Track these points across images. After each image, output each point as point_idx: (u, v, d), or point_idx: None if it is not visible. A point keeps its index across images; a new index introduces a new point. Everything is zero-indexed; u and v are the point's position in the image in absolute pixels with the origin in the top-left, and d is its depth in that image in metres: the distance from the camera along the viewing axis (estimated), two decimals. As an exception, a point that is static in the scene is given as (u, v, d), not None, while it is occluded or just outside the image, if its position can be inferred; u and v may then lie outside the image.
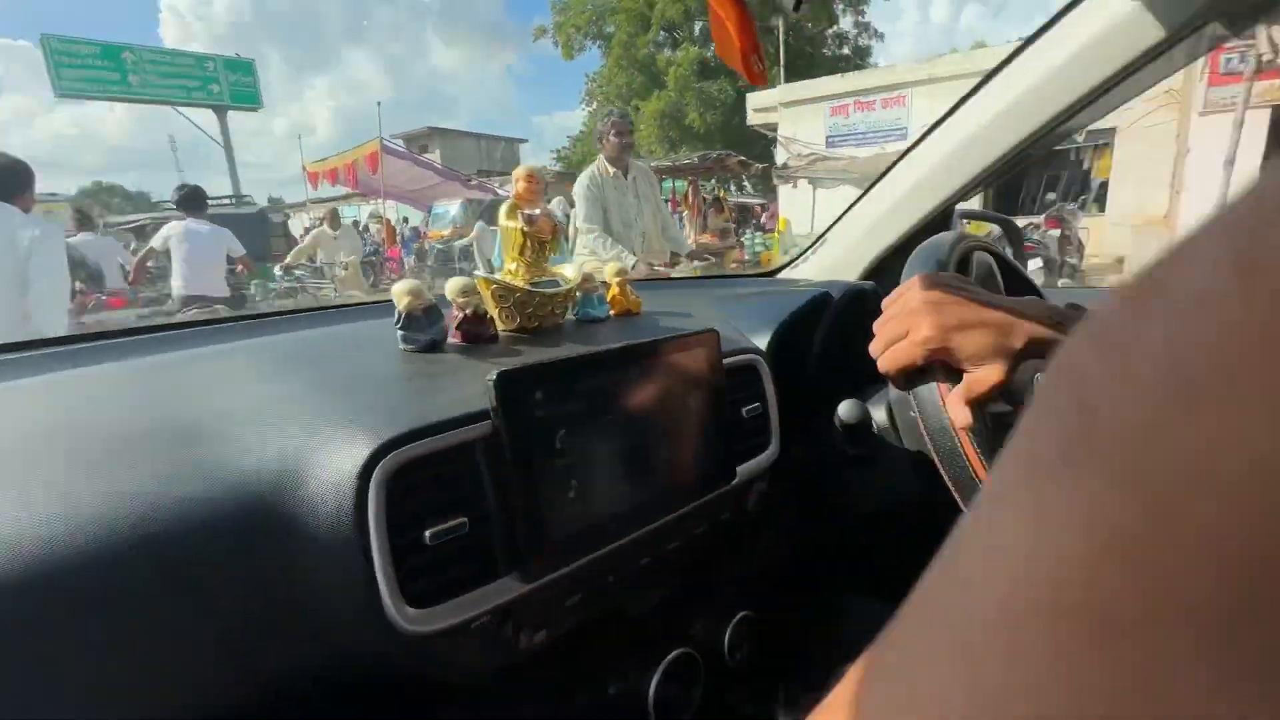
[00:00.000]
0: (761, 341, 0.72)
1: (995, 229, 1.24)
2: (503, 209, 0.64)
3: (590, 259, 2.98)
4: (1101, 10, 0.72)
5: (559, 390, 0.48)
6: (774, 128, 11.55)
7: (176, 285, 3.66)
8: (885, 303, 0.54)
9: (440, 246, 9.35)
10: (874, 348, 0.53)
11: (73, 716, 0.34)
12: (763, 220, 11.52)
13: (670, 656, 0.56)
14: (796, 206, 10.30)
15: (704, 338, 0.60)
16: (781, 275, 1.16)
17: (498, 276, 0.63)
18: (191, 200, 3.75)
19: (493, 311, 0.63)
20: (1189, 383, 0.08)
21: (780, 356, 0.71)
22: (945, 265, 0.58)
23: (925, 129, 0.95)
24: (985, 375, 0.47)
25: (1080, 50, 0.75)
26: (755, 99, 12.04)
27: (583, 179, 2.72)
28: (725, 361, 0.63)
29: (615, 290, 0.74)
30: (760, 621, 0.64)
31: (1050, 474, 0.10)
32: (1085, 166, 9.13)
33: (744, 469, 0.62)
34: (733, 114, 16.66)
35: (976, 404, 0.47)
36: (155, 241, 3.79)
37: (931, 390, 0.49)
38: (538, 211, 0.64)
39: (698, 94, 17.46)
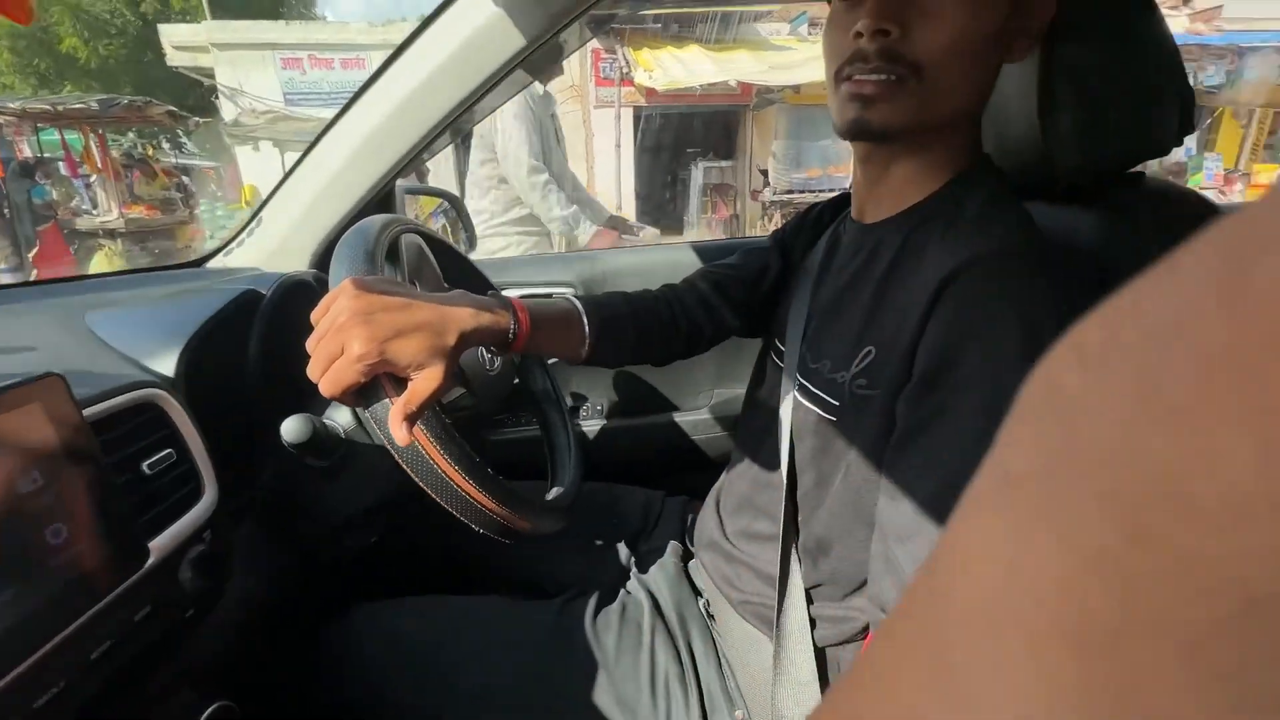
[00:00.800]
0: (166, 365, 0.56)
1: (444, 204, 1.30)
2: None
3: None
4: (477, 9, 0.80)
5: None
6: (209, 74, 9.46)
7: None
8: (313, 316, 0.47)
9: None
10: (311, 371, 0.46)
11: None
12: (220, 189, 9.54)
13: None
14: (263, 172, 8.91)
15: (42, 387, 0.41)
16: (213, 264, 0.94)
17: None
18: None
19: None
20: (1168, 405, 0.08)
21: (202, 377, 0.56)
22: (374, 256, 0.55)
23: (356, 89, 0.89)
24: (424, 384, 0.46)
25: (469, 39, 0.81)
26: (172, 32, 9.55)
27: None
28: (99, 407, 0.46)
29: None
30: (242, 708, 0.52)
31: (1029, 485, 0.10)
32: None
33: (165, 538, 0.47)
34: (141, 48, 12.85)
35: (423, 410, 0.47)
36: None
37: (384, 406, 0.46)
38: None
39: (73, 11, 12.67)
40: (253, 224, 0.96)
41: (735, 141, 9.15)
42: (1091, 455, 0.09)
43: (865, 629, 0.58)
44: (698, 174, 8.86)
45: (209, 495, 0.52)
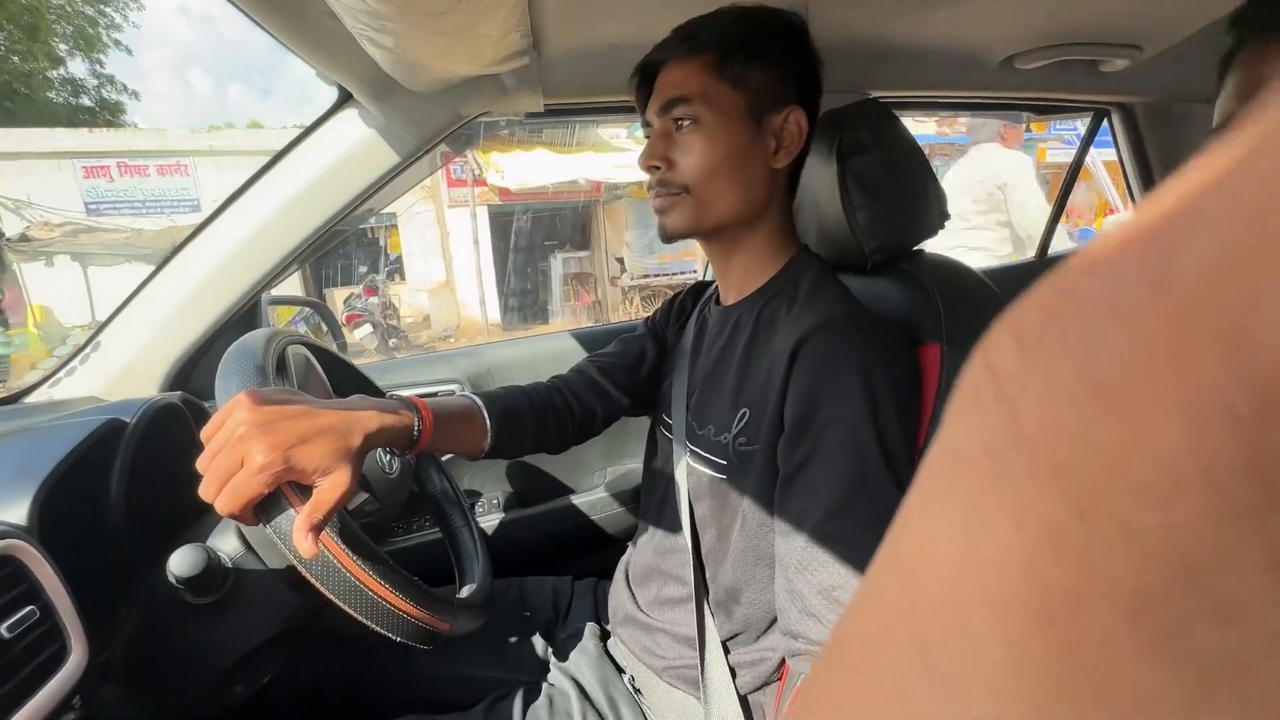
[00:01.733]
0: (18, 512, 0.49)
1: (306, 310, 1.27)
2: None
3: None
4: (352, 127, 0.84)
5: None
6: None
7: None
8: (204, 434, 0.46)
9: None
10: (205, 490, 0.44)
11: None
12: None
13: None
14: (59, 291, 7.78)
15: None
16: (35, 398, 0.83)
17: None
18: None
19: None
20: (1106, 386, 0.08)
21: (62, 521, 0.51)
22: (264, 369, 0.54)
23: (218, 205, 0.87)
24: (330, 489, 0.45)
25: (346, 155, 0.84)
26: (-65, 141, 8.30)
27: None
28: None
29: None
30: None
31: (976, 463, 0.10)
32: (381, 243, 10.66)
33: (29, 711, 0.41)
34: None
35: (329, 517, 0.46)
36: None
37: (289, 517, 0.44)
38: None
39: None
40: (88, 349, 0.87)
41: (590, 233, 9.69)
42: (1035, 435, 0.09)
43: (781, 664, 0.63)
44: (557, 265, 9.21)
45: (77, 654, 0.45)
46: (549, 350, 1.21)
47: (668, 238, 0.67)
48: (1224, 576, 0.08)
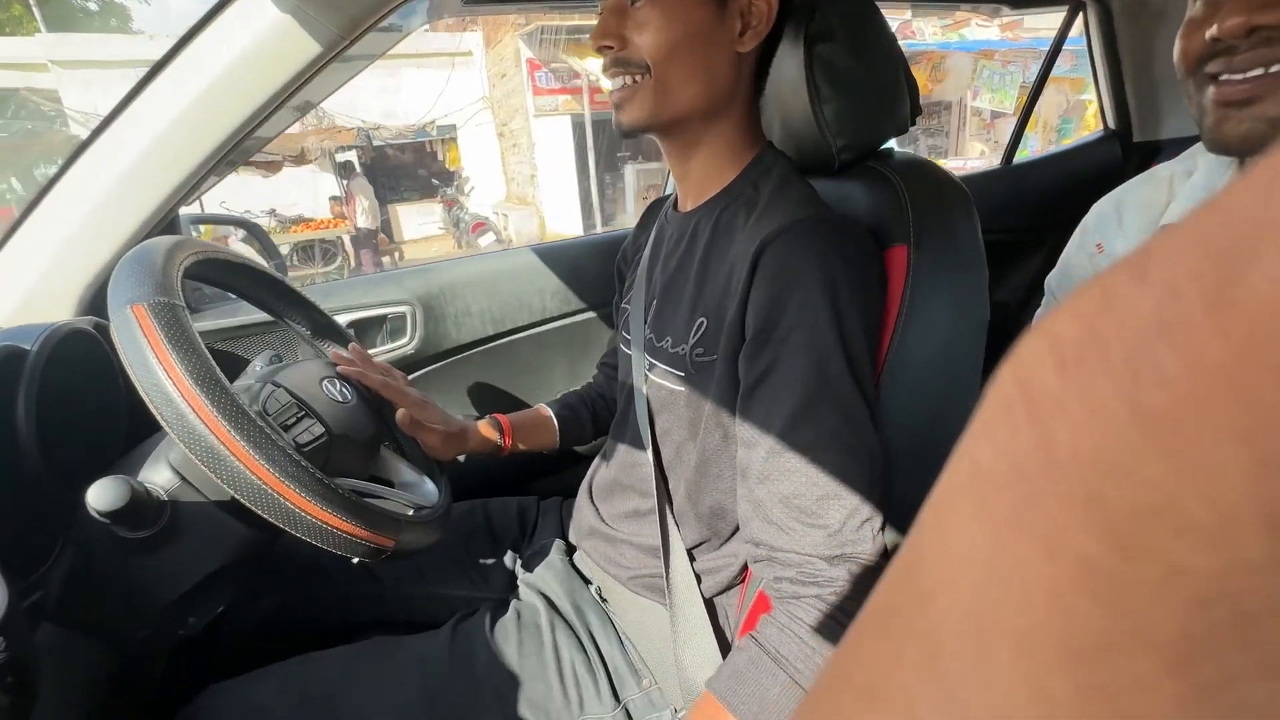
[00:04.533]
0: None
1: (238, 231, 1.18)
2: None
3: None
4: (263, 12, 0.73)
5: None
6: (51, 95, 7.37)
7: None
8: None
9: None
10: None
11: None
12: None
13: None
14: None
15: None
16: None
17: None
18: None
19: None
20: (1151, 414, 0.08)
21: None
22: (163, 278, 0.49)
23: (114, 107, 0.76)
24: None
25: (258, 45, 0.74)
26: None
27: None
28: None
29: None
30: None
31: (1004, 486, 0.09)
32: (440, 157, 10.19)
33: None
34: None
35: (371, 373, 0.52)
36: None
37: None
38: None
39: None
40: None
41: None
42: (1071, 461, 0.08)
43: (744, 568, 0.64)
44: (630, 176, 8.95)
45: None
46: (506, 267, 1.15)
47: (625, 132, 0.62)
48: (1279, 629, 0.07)
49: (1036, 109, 1.59)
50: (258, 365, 0.68)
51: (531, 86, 8.17)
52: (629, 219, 9.04)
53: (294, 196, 8.43)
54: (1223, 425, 0.07)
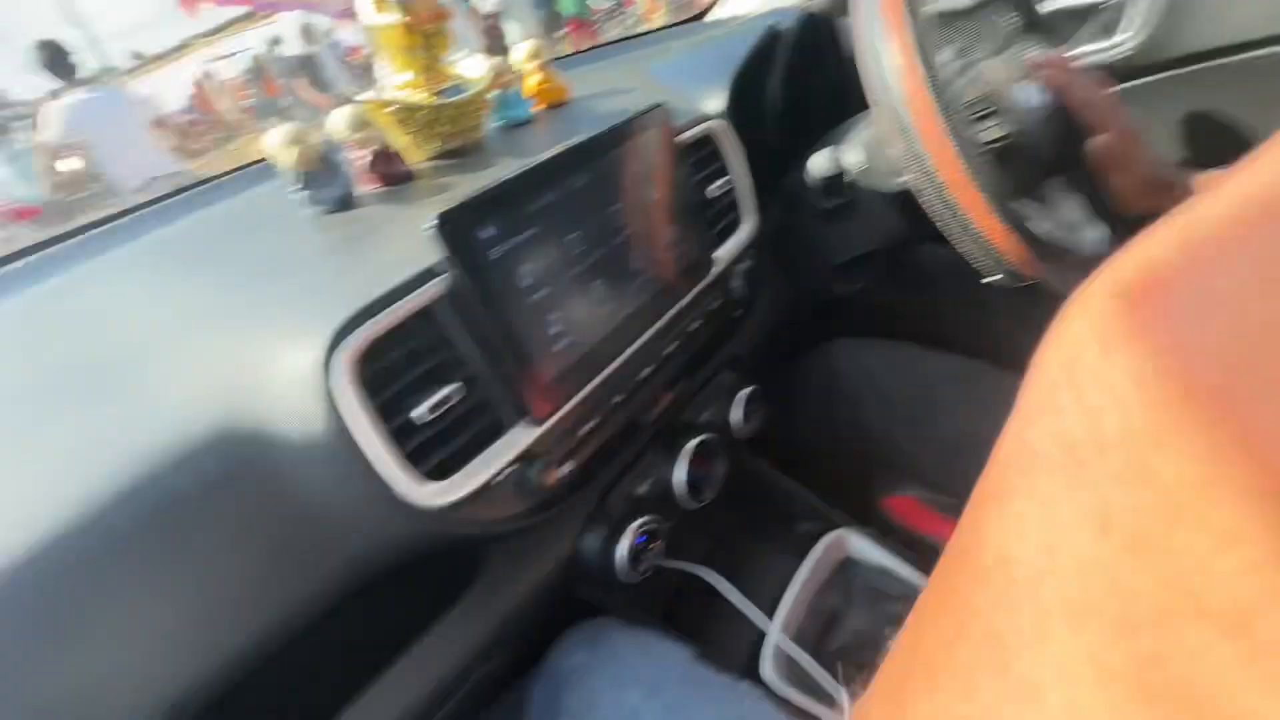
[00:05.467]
0: (713, 104, 0.63)
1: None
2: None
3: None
4: None
5: (511, 217, 0.41)
6: None
7: (116, 172, 2.66)
8: None
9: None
10: None
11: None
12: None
13: (688, 446, 0.58)
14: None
15: (652, 116, 0.51)
16: (710, 16, 0.99)
17: (392, 95, 0.51)
18: (61, 62, 2.57)
19: (399, 142, 0.52)
20: (1199, 388, 0.08)
21: (738, 116, 0.63)
22: None
23: None
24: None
25: None
26: None
27: None
28: (680, 137, 0.55)
29: (537, 78, 0.62)
30: (765, 393, 0.66)
31: (1054, 466, 0.10)
32: None
33: (722, 253, 0.58)
34: None
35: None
36: (47, 132, 2.57)
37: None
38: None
39: None
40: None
41: None
42: (1120, 439, 0.09)
43: None
44: None
45: (749, 222, 0.61)
46: None
47: None
48: None
49: None
50: (947, 54, 0.66)
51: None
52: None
53: None
54: (1276, 388, 0.07)
